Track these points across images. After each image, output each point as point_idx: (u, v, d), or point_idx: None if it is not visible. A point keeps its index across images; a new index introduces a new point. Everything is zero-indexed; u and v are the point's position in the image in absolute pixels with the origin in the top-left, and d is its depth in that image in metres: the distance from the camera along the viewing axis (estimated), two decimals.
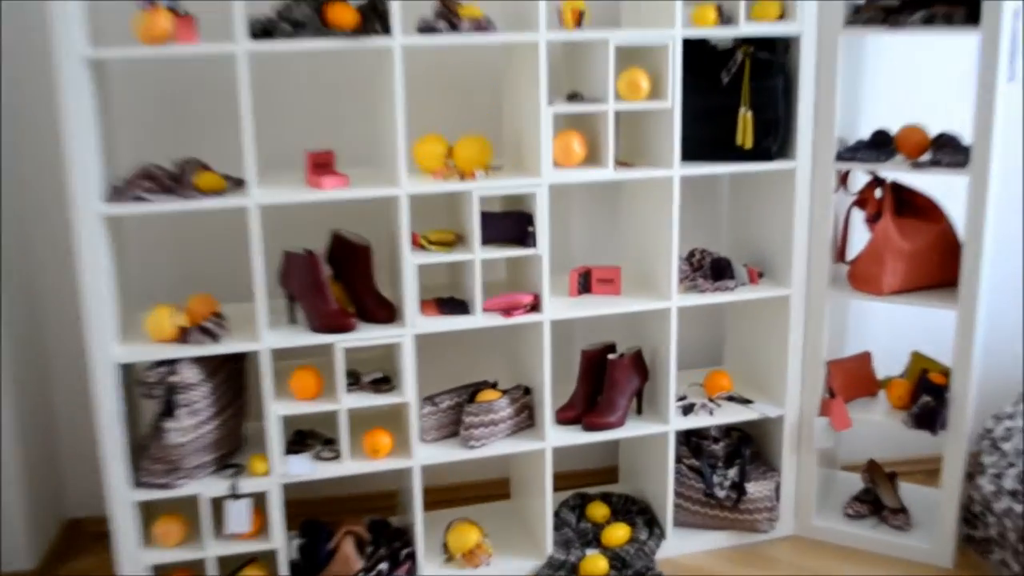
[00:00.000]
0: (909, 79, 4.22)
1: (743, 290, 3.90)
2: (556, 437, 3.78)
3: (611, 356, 3.90)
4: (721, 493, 3.98)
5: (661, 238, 3.79)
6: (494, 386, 3.86)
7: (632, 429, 3.87)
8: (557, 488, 4.42)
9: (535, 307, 3.58)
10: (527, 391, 3.83)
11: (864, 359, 4.13)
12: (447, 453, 3.65)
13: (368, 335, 3.46)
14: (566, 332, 4.25)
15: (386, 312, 3.50)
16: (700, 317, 4.43)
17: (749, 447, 4.14)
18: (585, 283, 3.77)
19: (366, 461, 3.58)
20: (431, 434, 3.70)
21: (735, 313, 4.31)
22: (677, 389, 4.09)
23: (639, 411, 3.99)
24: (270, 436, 3.48)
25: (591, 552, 3.85)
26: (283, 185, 3.41)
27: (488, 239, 3.49)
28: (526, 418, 3.79)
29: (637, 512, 4.12)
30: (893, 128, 4.09)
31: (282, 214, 3.86)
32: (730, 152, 3.68)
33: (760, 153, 3.71)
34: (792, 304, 3.95)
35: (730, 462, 4.08)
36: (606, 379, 3.85)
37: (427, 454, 3.66)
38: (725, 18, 3.58)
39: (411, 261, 3.41)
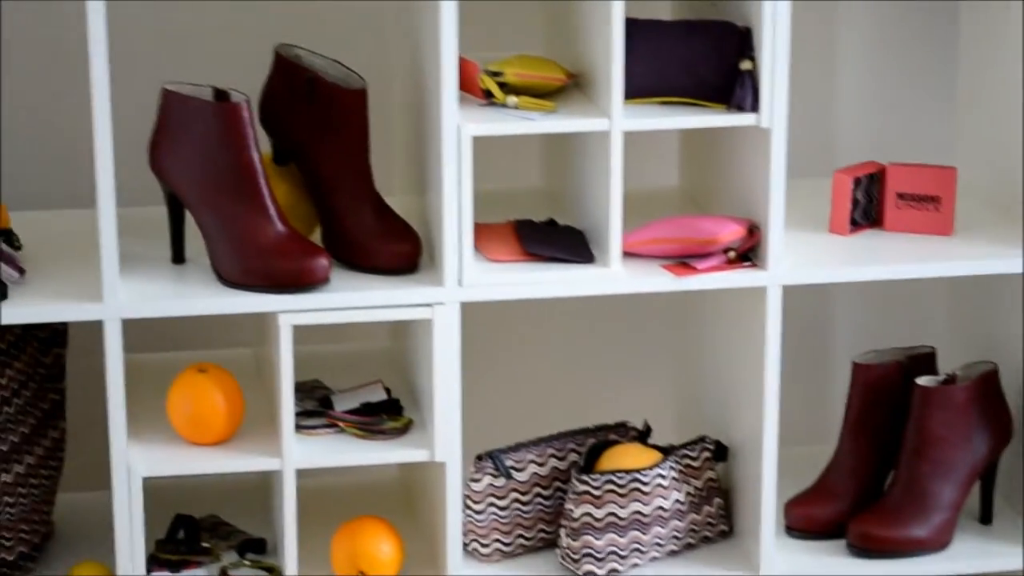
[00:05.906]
0: None
1: None
2: (788, 567, 2.70)
3: (923, 380, 2.78)
4: None
5: None
6: (641, 437, 2.76)
7: (968, 558, 2.72)
8: None
9: (746, 255, 2.54)
10: (717, 452, 2.77)
11: None
12: None
13: (355, 298, 2.47)
14: (817, 319, 3.30)
15: (398, 245, 2.51)
16: None
17: None
18: (868, 203, 2.77)
19: None
20: (492, 542, 2.64)
21: None
22: None
23: (986, 518, 2.82)
24: (120, 525, 2.53)
25: None
26: None
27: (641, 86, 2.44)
28: (713, 516, 2.72)
29: None
30: None
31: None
32: None
33: None
34: None
35: None
36: (911, 434, 2.74)
37: None
38: None
39: (462, 129, 2.39)
